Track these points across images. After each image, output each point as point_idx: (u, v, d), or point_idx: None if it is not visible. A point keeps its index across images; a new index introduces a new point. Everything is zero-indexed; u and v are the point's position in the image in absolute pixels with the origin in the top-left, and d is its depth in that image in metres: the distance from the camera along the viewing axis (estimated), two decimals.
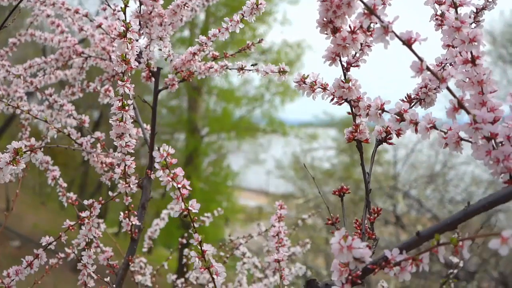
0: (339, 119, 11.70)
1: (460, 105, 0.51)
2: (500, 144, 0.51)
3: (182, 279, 1.35)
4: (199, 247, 0.64)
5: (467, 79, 0.54)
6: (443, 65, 0.68)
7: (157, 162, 0.61)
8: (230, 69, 0.96)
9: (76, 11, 1.11)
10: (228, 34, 0.87)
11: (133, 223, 0.97)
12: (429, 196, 6.75)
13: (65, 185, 1.11)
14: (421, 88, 0.67)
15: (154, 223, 1.44)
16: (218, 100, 12.06)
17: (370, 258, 0.50)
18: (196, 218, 0.64)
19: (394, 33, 0.50)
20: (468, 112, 0.51)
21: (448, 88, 0.51)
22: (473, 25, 0.70)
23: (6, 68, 1.13)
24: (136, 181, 0.91)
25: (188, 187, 0.62)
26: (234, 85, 12.13)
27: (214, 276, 0.64)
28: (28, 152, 0.66)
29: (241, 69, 0.94)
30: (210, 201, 9.12)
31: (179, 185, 0.61)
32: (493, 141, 0.52)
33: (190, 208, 0.62)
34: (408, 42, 0.50)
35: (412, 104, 0.68)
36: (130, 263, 0.99)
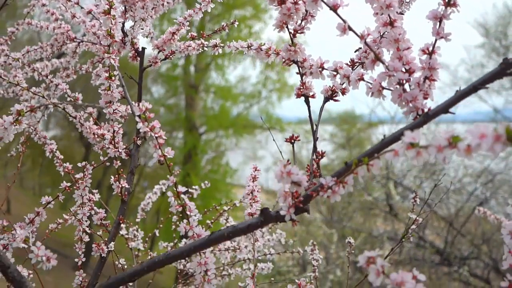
0: (336, 114, 11.84)
1: (377, 57, 0.63)
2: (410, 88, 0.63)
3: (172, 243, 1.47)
4: (175, 188, 0.76)
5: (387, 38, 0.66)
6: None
7: (137, 115, 0.73)
8: (206, 47, 1.08)
9: (68, 0, 1.23)
10: (202, 14, 0.99)
11: (123, 186, 1.09)
12: (423, 186, 6.88)
13: (61, 156, 1.22)
14: (362, 53, 0.79)
15: (147, 197, 1.56)
16: (215, 98, 12.17)
17: (306, 183, 0.62)
18: (171, 164, 0.76)
19: (323, 1, 0.62)
20: (383, 63, 0.63)
21: (366, 44, 0.63)
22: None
23: (5, 53, 1.25)
24: (124, 147, 1.03)
25: (164, 137, 0.74)
26: (231, 82, 12.25)
27: (188, 212, 0.76)
28: (29, 112, 0.77)
29: (215, 46, 1.06)
30: (209, 198, 9.22)
31: (157, 135, 0.74)
32: (407, 86, 0.64)
33: (166, 154, 0.74)
34: (334, 8, 0.63)
35: (355, 66, 0.80)
36: (121, 222, 1.11)
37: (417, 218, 1.19)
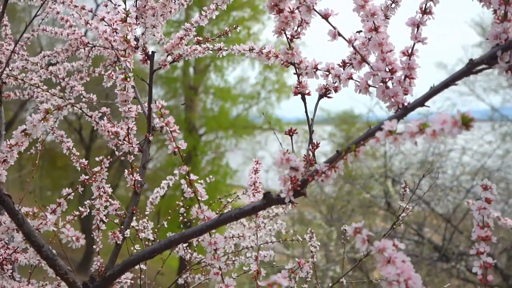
0: (335, 114, 11.94)
1: (363, 59, 0.73)
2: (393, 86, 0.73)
3: None
4: (187, 177, 0.86)
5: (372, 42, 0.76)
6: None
7: (154, 112, 0.82)
8: (211, 50, 1.18)
9: (82, 8, 1.33)
10: (207, 20, 1.09)
11: (136, 179, 1.19)
12: (420, 183, 6.97)
13: (77, 153, 1.32)
14: (351, 55, 0.89)
15: (155, 191, 1.66)
16: (214, 99, 12.26)
17: (303, 169, 0.72)
18: (183, 154, 0.86)
19: (315, 10, 0.72)
20: (368, 64, 0.73)
21: (354, 47, 0.73)
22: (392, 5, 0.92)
23: (25, 57, 1.35)
24: (138, 142, 1.13)
25: (178, 131, 0.84)
26: (230, 83, 12.35)
27: (199, 198, 0.86)
28: (56, 110, 0.87)
29: (219, 49, 1.16)
30: (210, 198, 9.30)
31: (171, 129, 0.83)
32: (390, 84, 0.74)
33: (179, 146, 0.84)
34: (325, 16, 0.72)
35: (346, 67, 0.90)
36: (134, 212, 1.20)
37: (407, 206, 1.28)
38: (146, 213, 1.62)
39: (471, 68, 0.66)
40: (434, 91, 0.68)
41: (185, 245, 1.65)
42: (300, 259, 0.94)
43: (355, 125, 11.58)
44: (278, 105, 11.93)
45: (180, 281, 1.64)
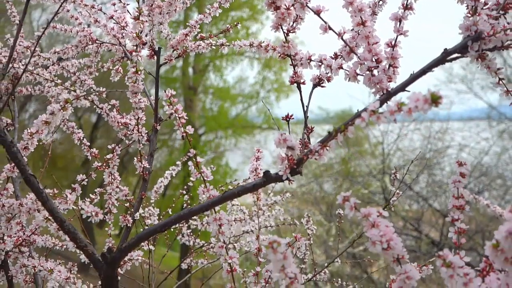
0: (334, 113, 12.04)
1: (351, 50, 0.82)
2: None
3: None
4: (194, 159, 0.95)
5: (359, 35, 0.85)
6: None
7: (164, 100, 0.91)
8: (214, 46, 1.27)
9: (92, 6, 1.42)
10: (211, 18, 1.18)
11: (144, 166, 1.28)
12: (418, 179, 7.08)
13: (88, 143, 1.41)
14: (342, 47, 0.98)
15: (159, 181, 1.75)
16: (214, 99, 12.36)
17: (299, 147, 0.80)
18: (191, 139, 0.94)
19: (308, 7, 0.81)
20: (356, 55, 0.82)
21: (343, 40, 0.82)
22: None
23: (37, 53, 1.43)
24: (146, 131, 1.22)
25: (185, 117, 0.93)
26: (229, 83, 12.43)
27: (205, 178, 0.95)
28: (75, 100, 0.96)
29: (222, 45, 1.25)
30: None
31: (180, 116, 0.92)
32: (376, 72, 0.83)
33: (187, 130, 0.93)
34: (317, 12, 0.81)
35: (338, 58, 0.99)
36: (142, 197, 1.29)
37: (397, 191, 1.37)
38: (152, 200, 1.71)
39: (445, 57, 0.75)
40: (413, 77, 0.77)
41: (188, 231, 1.74)
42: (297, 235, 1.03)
43: (353, 123, 11.66)
44: (277, 104, 12.02)
45: (184, 266, 1.73)
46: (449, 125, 8.59)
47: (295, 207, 8.40)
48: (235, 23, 1.30)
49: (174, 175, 1.76)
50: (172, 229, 1.68)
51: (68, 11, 1.53)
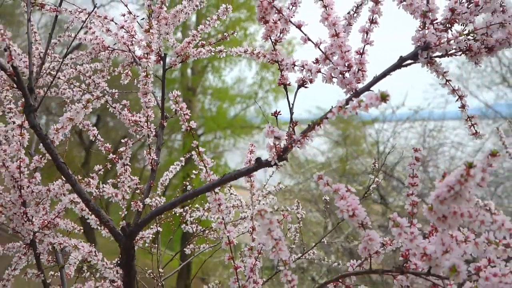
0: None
1: (326, 57, 1.00)
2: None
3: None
4: (197, 149, 1.12)
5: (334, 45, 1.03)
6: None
7: (171, 99, 1.09)
8: (214, 52, 1.45)
9: (105, 17, 1.59)
10: (210, 28, 1.36)
11: (153, 158, 1.45)
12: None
13: (102, 139, 1.58)
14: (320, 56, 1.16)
15: (165, 174, 1.92)
16: (212, 100, 12.53)
17: (285, 137, 0.98)
18: (194, 132, 1.12)
19: (291, 22, 0.99)
20: (330, 61, 0.99)
21: (319, 49, 1.00)
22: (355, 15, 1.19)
23: (56, 58, 1.61)
24: (155, 127, 1.39)
25: (189, 114, 1.10)
26: (228, 84, 12.61)
27: (206, 164, 1.12)
28: (96, 100, 1.13)
29: (221, 51, 1.43)
30: None
31: (184, 112, 1.10)
32: (347, 75, 1.01)
33: (191, 125, 1.11)
34: (299, 26, 0.99)
35: (318, 64, 1.16)
36: (151, 186, 1.47)
37: (377, 179, 1.55)
38: (158, 192, 1.88)
39: (401, 62, 0.93)
40: (376, 79, 0.95)
41: (191, 218, 1.91)
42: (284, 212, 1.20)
43: (351, 123, 11.88)
44: (275, 104, 12.19)
45: (187, 251, 1.90)
46: (444, 124, 8.78)
47: (292, 205, 8.55)
48: (231, 31, 1.48)
49: (178, 169, 1.94)
50: (177, 214, 1.85)
51: (83, 21, 1.70)
